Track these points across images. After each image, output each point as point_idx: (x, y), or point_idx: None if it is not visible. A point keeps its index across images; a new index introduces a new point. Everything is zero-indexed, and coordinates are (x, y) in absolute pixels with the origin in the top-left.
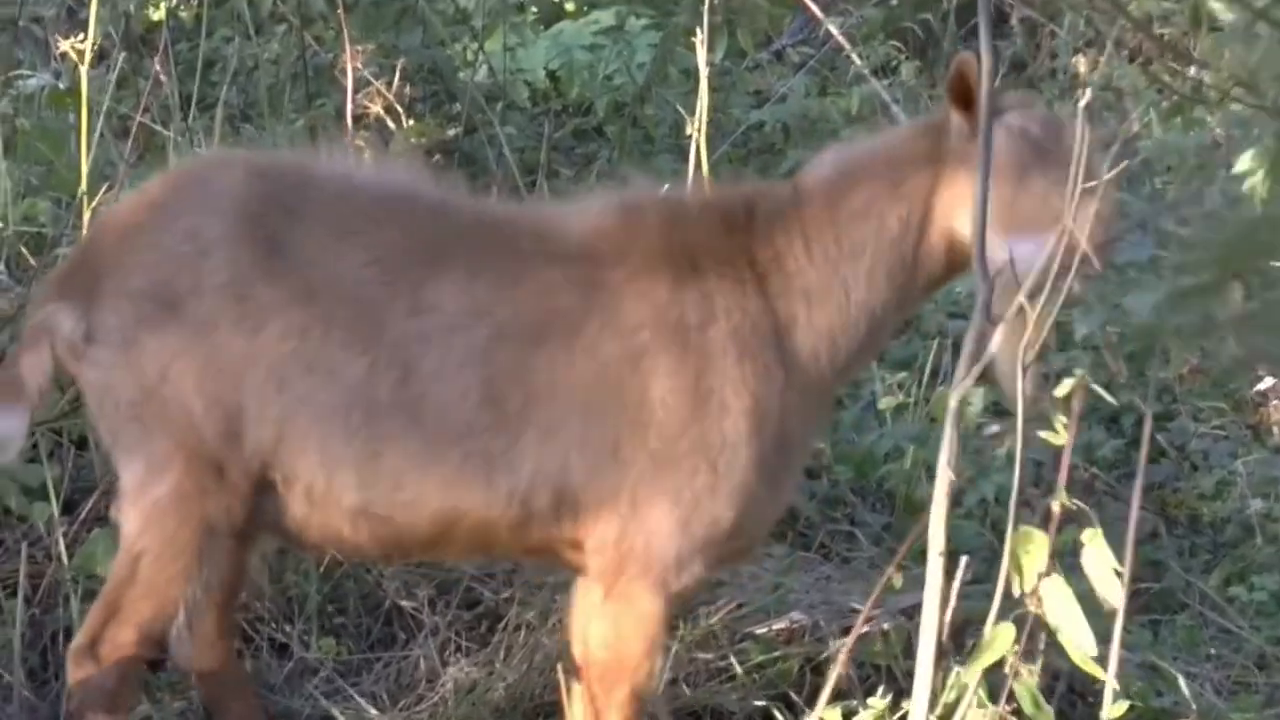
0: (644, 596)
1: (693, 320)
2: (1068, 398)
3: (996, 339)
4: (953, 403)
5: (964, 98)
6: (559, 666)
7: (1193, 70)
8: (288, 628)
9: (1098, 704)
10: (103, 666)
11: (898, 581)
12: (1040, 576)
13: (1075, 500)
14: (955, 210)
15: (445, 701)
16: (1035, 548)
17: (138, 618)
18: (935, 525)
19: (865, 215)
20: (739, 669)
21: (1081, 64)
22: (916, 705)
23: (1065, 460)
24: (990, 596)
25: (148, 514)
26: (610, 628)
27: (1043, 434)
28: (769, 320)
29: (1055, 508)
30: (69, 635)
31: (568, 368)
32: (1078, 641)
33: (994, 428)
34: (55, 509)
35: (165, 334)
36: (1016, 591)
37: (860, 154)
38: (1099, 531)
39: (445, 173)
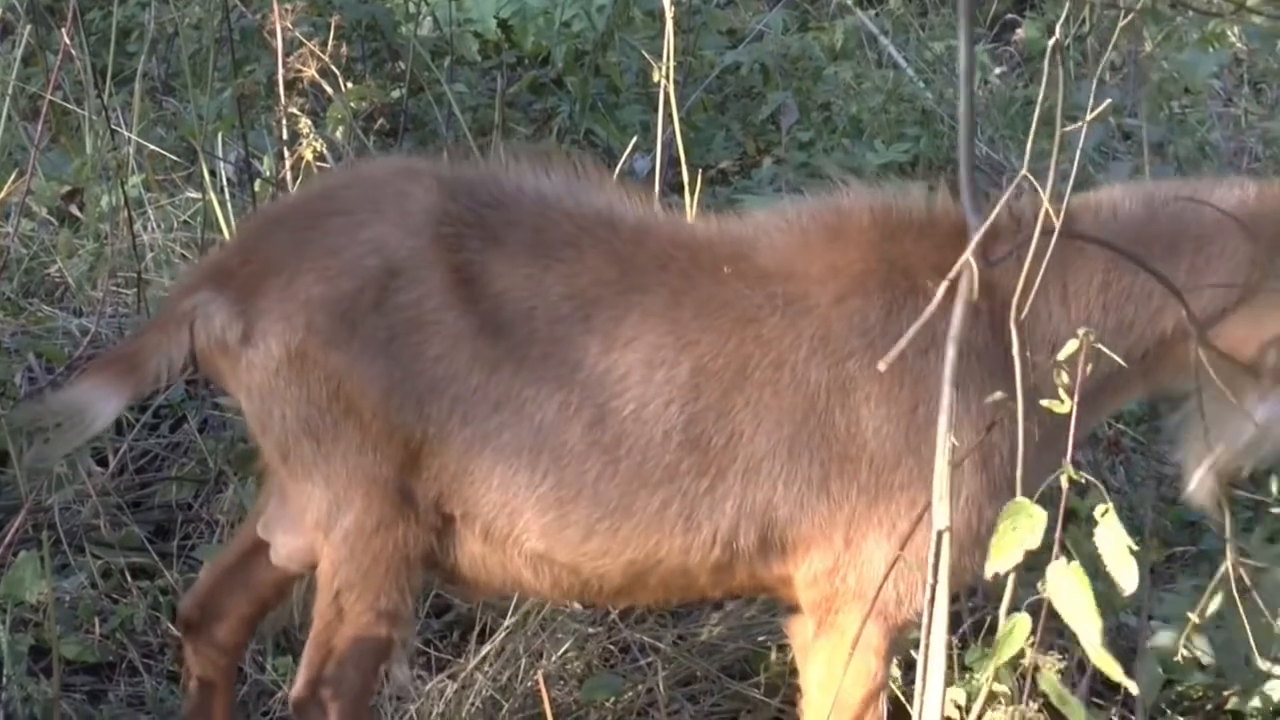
0: (859, 629)
1: (910, 347)
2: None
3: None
4: (950, 354)
5: None
6: (540, 676)
7: None
8: None
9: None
10: (330, 708)
11: None
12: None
13: (1084, 474)
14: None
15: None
16: (1025, 523)
17: (356, 654)
18: (938, 502)
19: (1149, 300)
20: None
21: None
22: (929, 703)
23: (1073, 429)
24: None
25: (339, 548)
26: (825, 667)
27: (1045, 402)
28: (1000, 352)
29: (1064, 482)
30: None
31: (774, 400)
32: (1082, 633)
33: (997, 394)
34: None
35: (339, 350)
36: (986, 574)
37: (1199, 219)
38: (1109, 507)
39: (639, 187)
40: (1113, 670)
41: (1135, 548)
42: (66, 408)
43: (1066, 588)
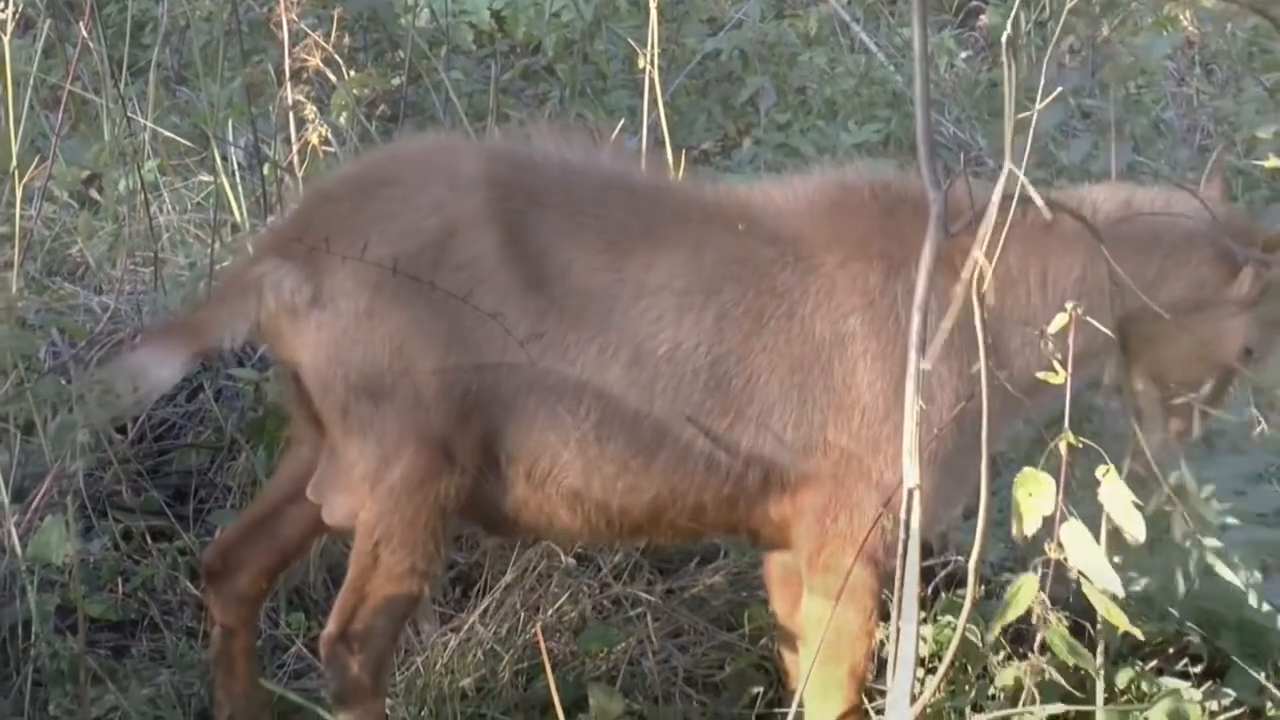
0: (850, 569)
1: (903, 310)
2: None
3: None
4: (916, 320)
5: None
6: (538, 628)
7: None
8: None
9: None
10: (356, 654)
11: None
12: (1049, 520)
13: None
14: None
15: (423, 671)
16: (1040, 490)
17: (387, 604)
18: (908, 459)
19: (1117, 295)
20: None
21: None
22: (903, 660)
23: (1069, 398)
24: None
25: (383, 501)
26: (821, 602)
27: (1040, 374)
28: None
29: (1063, 448)
30: (27, 629)
31: (786, 347)
32: (1104, 585)
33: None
34: (5, 497)
35: (404, 308)
36: (1016, 535)
37: (1172, 229)
38: (1110, 467)
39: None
40: (1120, 621)
41: (1140, 502)
42: (127, 372)
43: (1081, 545)
